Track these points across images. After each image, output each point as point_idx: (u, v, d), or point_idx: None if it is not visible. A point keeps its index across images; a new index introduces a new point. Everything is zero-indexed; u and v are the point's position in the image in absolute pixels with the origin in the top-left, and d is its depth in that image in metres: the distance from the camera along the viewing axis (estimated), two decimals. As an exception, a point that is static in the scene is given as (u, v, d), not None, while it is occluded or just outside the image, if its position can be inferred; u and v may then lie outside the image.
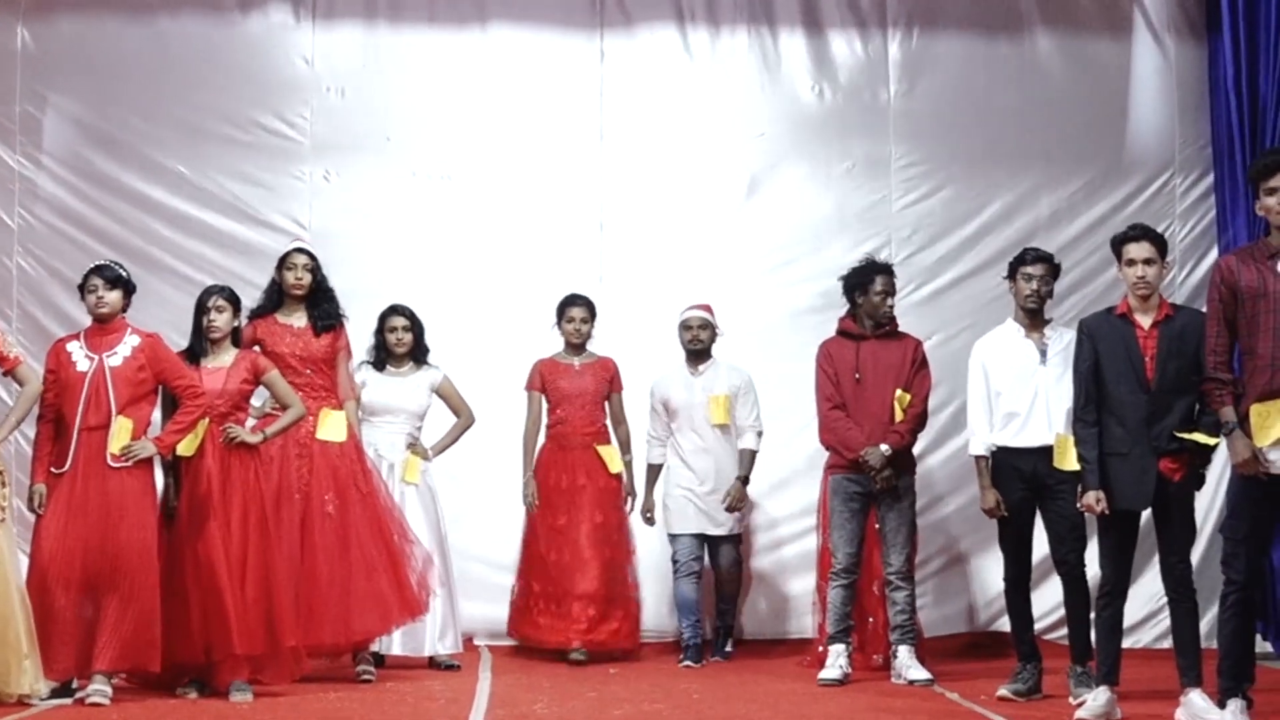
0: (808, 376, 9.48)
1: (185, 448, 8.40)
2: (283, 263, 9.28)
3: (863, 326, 9.29)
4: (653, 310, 10.72)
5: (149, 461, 8.32)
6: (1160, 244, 7.96)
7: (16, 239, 10.75)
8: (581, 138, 11.24)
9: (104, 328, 8.38)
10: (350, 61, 11.18)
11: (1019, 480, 8.55)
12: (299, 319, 9.24)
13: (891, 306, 9.32)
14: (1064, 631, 8.98)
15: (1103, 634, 7.96)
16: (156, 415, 8.53)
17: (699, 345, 10.15)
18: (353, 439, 9.19)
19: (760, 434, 10.16)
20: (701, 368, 10.16)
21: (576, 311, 10.20)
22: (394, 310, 9.87)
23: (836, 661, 9.09)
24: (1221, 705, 7.38)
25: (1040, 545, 8.75)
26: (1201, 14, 11.39)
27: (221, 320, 8.64)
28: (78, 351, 8.34)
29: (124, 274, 8.46)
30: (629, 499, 10.27)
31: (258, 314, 9.23)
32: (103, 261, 8.60)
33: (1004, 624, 9.49)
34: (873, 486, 9.11)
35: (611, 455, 10.17)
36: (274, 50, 11.12)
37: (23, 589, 8.01)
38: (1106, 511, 7.80)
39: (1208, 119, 11.28)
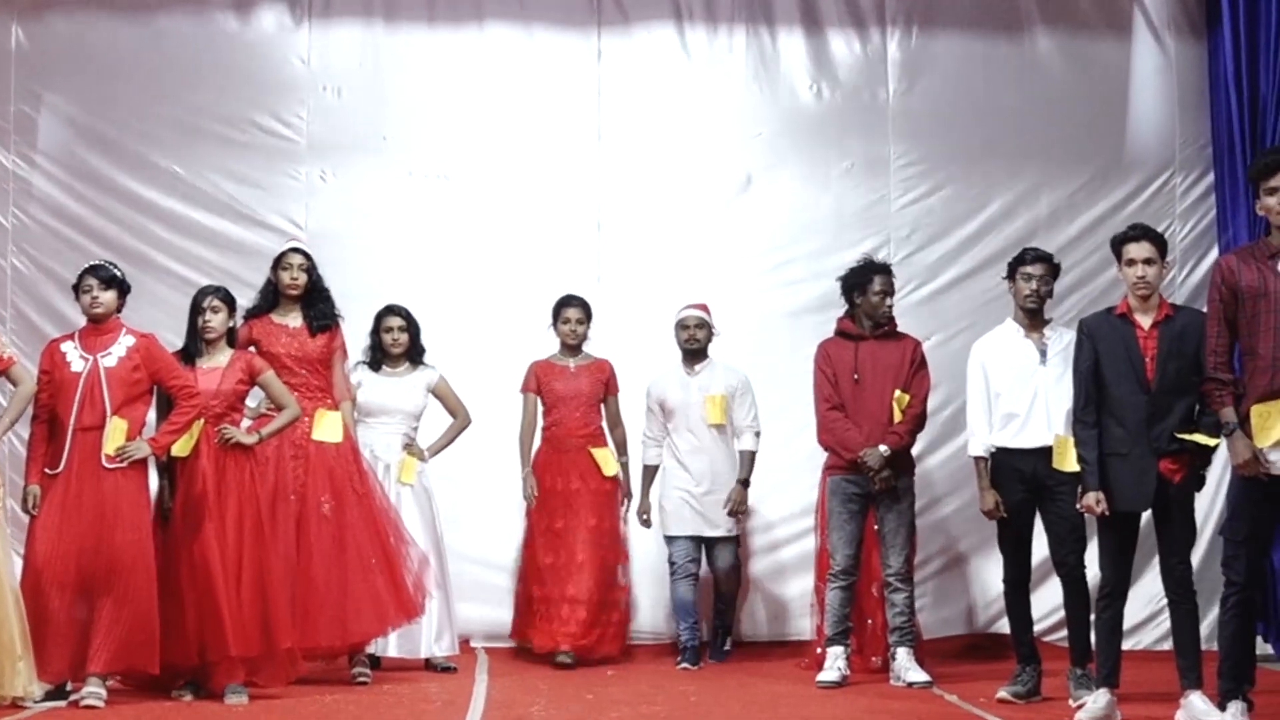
0: (806, 377, 9.48)
1: (180, 448, 8.40)
2: (278, 263, 9.28)
3: (861, 327, 9.29)
4: (651, 310, 10.69)
5: (144, 462, 8.32)
6: (1160, 244, 7.95)
7: (11, 239, 10.73)
8: (579, 137, 11.23)
9: (99, 328, 8.38)
10: (347, 61, 11.17)
11: (1018, 481, 8.54)
12: (294, 319, 9.23)
13: (890, 307, 9.31)
14: (1064, 633, 8.97)
15: (1103, 636, 7.95)
16: (151, 416, 8.52)
17: (695, 345, 10.14)
18: (348, 440, 9.18)
19: (758, 434, 10.16)
20: (698, 367, 10.16)
21: (572, 312, 10.18)
22: (390, 310, 9.87)
23: (835, 664, 9.09)
24: (1222, 707, 7.38)
25: (1040, 547, 8.75)
26: (1201, 12, 11.38)
27: (217, 321, 8.64)
28: (72, 352, 8.33)
29: (119, 274, 8.46)
30: (625, 501, 10.26)
31: (253, 314, 9.23)
32: (97, 261, 8.61)
33: (1003, 626, 9.48)
34: (871, 487, 9.10)
35: (606, 458, 10.14)
36: (270, 49, 11.11)
37: (17, 590, 7.98)
38: (1106, 513, 7.80)
39: (1208, 118, 11.28)
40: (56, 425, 8.27)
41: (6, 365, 8.31)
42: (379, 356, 9.84)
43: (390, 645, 9.45)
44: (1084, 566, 8.55)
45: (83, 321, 8.52)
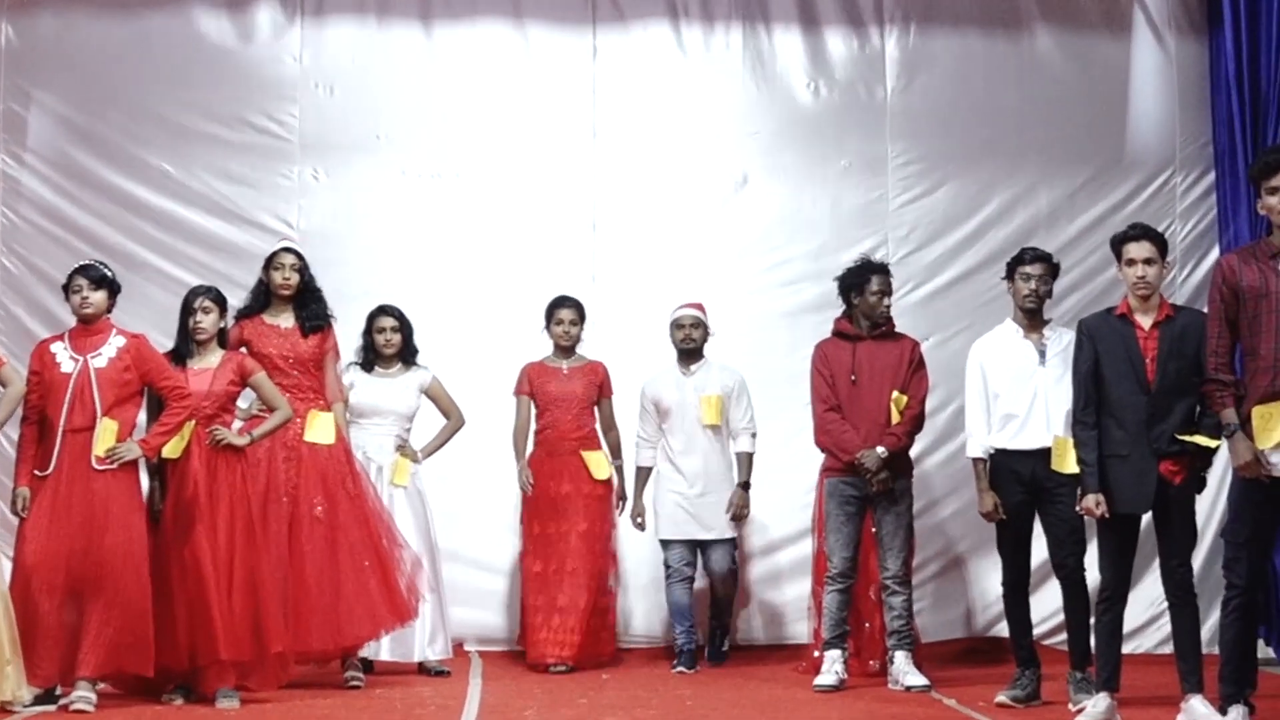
0: (803, 378, 9.47)
1: (171, 450, 8.40)
2: (270, 262, 9.27)
3: (859, 327, 9.28)
4: (646, 311, 10.68)
5: (134, 464, 8.30)
6: (1160, 243, 7.95)
7: (0, 238, 10.71)
8: (574, 136, 11.22)
9: (89, 328, 8.36)
10: (339, 58, 11.15)
11: (1017, 483, 8.53)
12: (286, 320, 9.23)
13: (888, 307, 9.30)
14: (1063, 637, 8.95)
15: (1102, 639, 7.95)
16: (142, 418, 8.52)
17: (691, 344, 10.13)
18: (341, 441, 9.18)
19: (754, 436, 10.16)
20: (693, 368, 10.15)
21: (565, 313, 10.16)
22: (382, 310, 9.86)
23: (832, 667, 9.08)
24: (1223, 711, 7.37)
25: (1039, 549, 8.74)
26: (1202, 10, 11.39)
27: (208, 321, 8.64)
28: (62, 353, 8.33)
29: (109, 274, 8.45)
30: (620, 505, 10.24)
31: (244, 315, 9.23)
32: (87, 261, 8.59)
33: (1002, 629, 9.48)
34: (869, 489, 9.09)
35: (597, 461, 10.10)
36: (262, 47, 11.09)
37: (5, 594, 7.98)
38: (1106, 515, 7.80)
39: (1209, 116, 11.28)
40: (46, 426, 8.26)
41: (-4, 366, 8.33)
42: (371, 357, 9.84)
43: (383, 649, 9.45)
44: (1084, 569, 8.54)
45: (73, 322, 8.50)
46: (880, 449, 9.03)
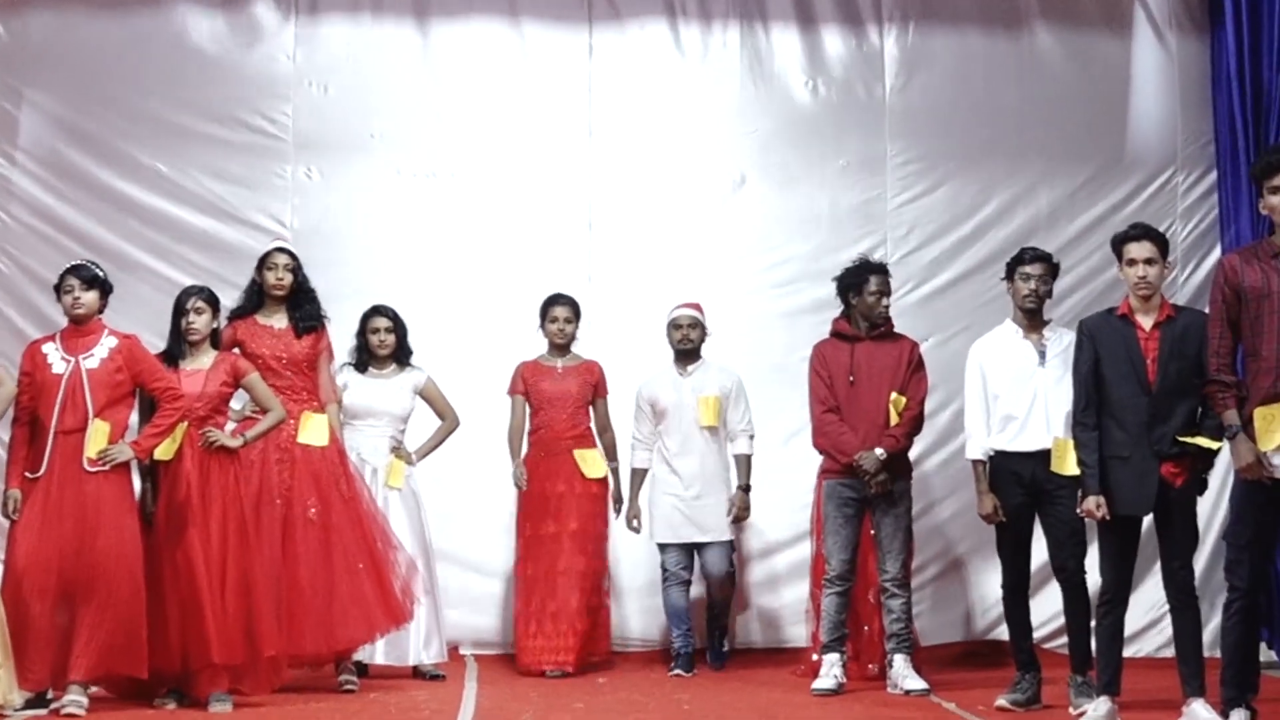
0: (801, 379, 9.47)
1: (163, 452, 8.38)
2: (263, 262, 9.27)
3: (857, 328, 9.28)
4: (643, 311, 10.67)
5: (126, 466, 8.29)
6: (1162, 243, 7.96)
7: (-9, 238, 10.73)
8: (570, 135, 11.21)
9: (80, 329, 8.35)
10: (333, 56, 11.14)
11: (1017, 485, 8.53)
12: (280, 320, 9.22)
13: (887, 307, 9.30)
14: (1063, 640, 8.96)
15: (1103, 642, 7.95)
16: (134, 419, 8.50)
17: (689, 345, 10.13)
18: (335, 443, 9.18)
19: (752, 437, 10.16)
20: (691, 368, 10.14)
21: (560, 311, 10.15)
22: (376, 311, 9.86)
23: (831, 671, 9.08)
24: (1225, 715, 7.39)
25: (1039, 551, 8.74)
26: (1204, 8, 11.39)
27: (200, 322, 8.63)
28: (54, 353, 8.31)
29: (101, 274, 8.44)
30: (616, 507, 10.22)
31: (237, 315, 9.22)
32: (79, 261, 8.58)
33: (1002, 632, 9.48)
34: (867, 491, 9.09)
35: (590, 459, 10.07)
36: (255, 45, 11.07)
37: (-4, 597, 8.00)
38: (1107, 517, 7.80)
39: (1210, 115, 11.28)
40: (37, 428, 8.24)
41: (-14, 367, 8.32)
42: (365, 358, 9.83)
43: (378, 652, 9.44)
44: (1084, 572, 8.53)
45: (64, 322, 8.49)
46: (879, 450, 9.03)
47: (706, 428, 10.05)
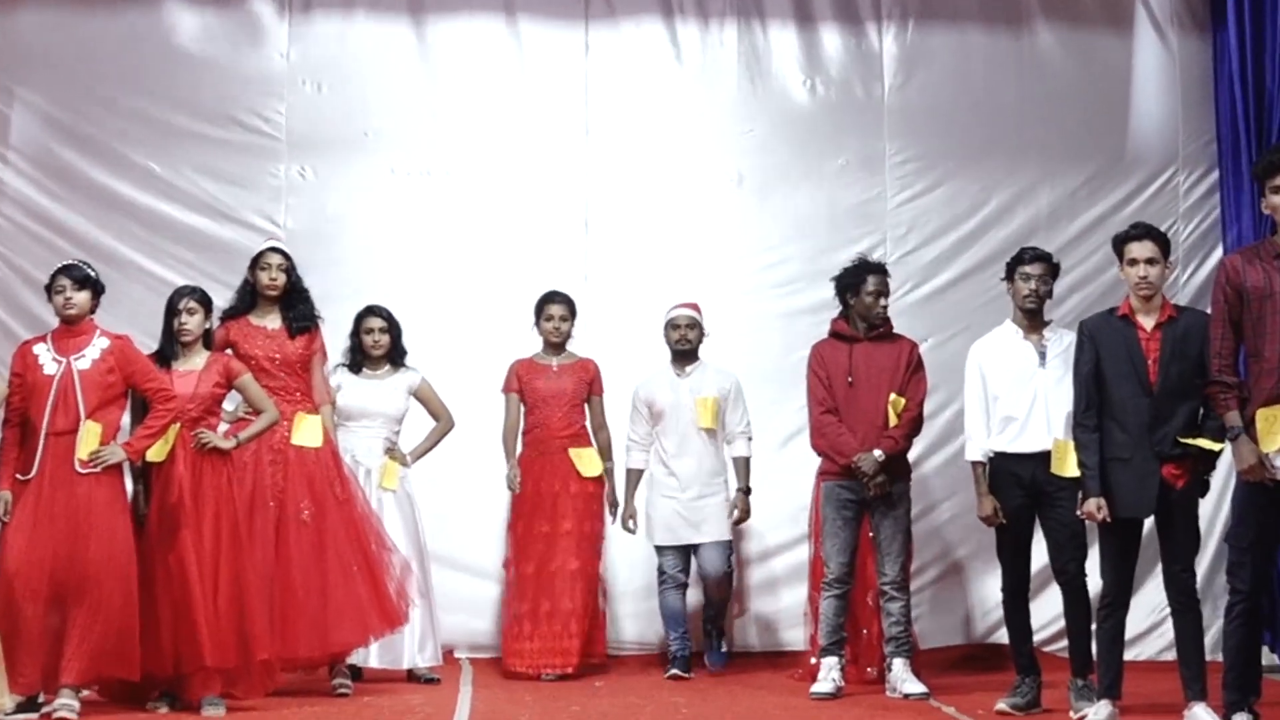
0: (799, 380, 9.47)
1: (156, 453, 8.36)
2: (256, 262, 9.26)
3: (856, 328, 9.27)
4: (639, 311, 10.68)
5: (119, 468, 8.27)
6: (1163, 243, 7.95)
7: (-18, 238, 10.73)
8: (566, 133, 11.21)
9: (72, 329, 8.33)
10: (327, 53, 11.14)
11: (1017, 487, 8.53)
12: (273, 321, 9.22)
13: (885, 307, 9.29)
14: (1064, 643, 8.94)
15: (1104, 646, 7.95)
16: (126, 420, 8.50)
17: (686, 345, 10.12)
18: (329, 444, 9.17)
19: (750, 439, 10.16)
20: (688, 369, 10.14)
21: (555, 309, 10.13)
22: (370, 311, 9.85)
23: (829, 675, 9.07)
24: (1226, 719, 7.38)
25: (1039, 554, 8.74)
26: (1206, 6, 11.40)
27: (193, 322, 8.61)
28: (45, 354, 8.29)
29: (92, 274, 8.42)
30: (612, 510, 10.20)
31: (230, 315, 9.22)
32: (70, 261, 8.54)
33: (1002, 635, 9.47)
34: (866, 493, 9.08)
35: (586, 458, 10.03)
36: (248, 42, 11.07)
37: (-13, 600, 7.99)
38: (1108, 519, 7.80)
39: (1212, 114, 11.29)
40: (28, 429, 8.23)
41: (-24, 368, 8.32)
42: (359, 358, 9.82)
43: (372, 656, 9.44)
44: (1085, 574, 8.53)
45: (55, 322, 8.47)
46: (877, 452, 9.02)
47: (704, 429, 10.05)
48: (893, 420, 9.13)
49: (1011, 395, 8.58)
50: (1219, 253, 10.90)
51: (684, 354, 10.14)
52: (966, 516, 9.97)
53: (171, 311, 8.65)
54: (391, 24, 11.23)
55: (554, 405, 10.02)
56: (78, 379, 8.20)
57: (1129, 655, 8.50)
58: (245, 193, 10.92)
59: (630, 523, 10.22)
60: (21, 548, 8.04)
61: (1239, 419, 7.25)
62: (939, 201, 11.29)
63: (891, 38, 11.38)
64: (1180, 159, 11.34)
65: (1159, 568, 8.14)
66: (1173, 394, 7.74)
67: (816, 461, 9.47)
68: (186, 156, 10.89)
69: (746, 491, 10.10)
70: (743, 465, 10.14)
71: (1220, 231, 11.15)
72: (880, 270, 9.36)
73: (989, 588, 10.37)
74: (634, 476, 10.24)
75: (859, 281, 9.26)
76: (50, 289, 8.39)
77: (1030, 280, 8.64)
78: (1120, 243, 8.00)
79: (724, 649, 10.33)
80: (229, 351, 9.02)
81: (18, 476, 8.18)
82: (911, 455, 9.50)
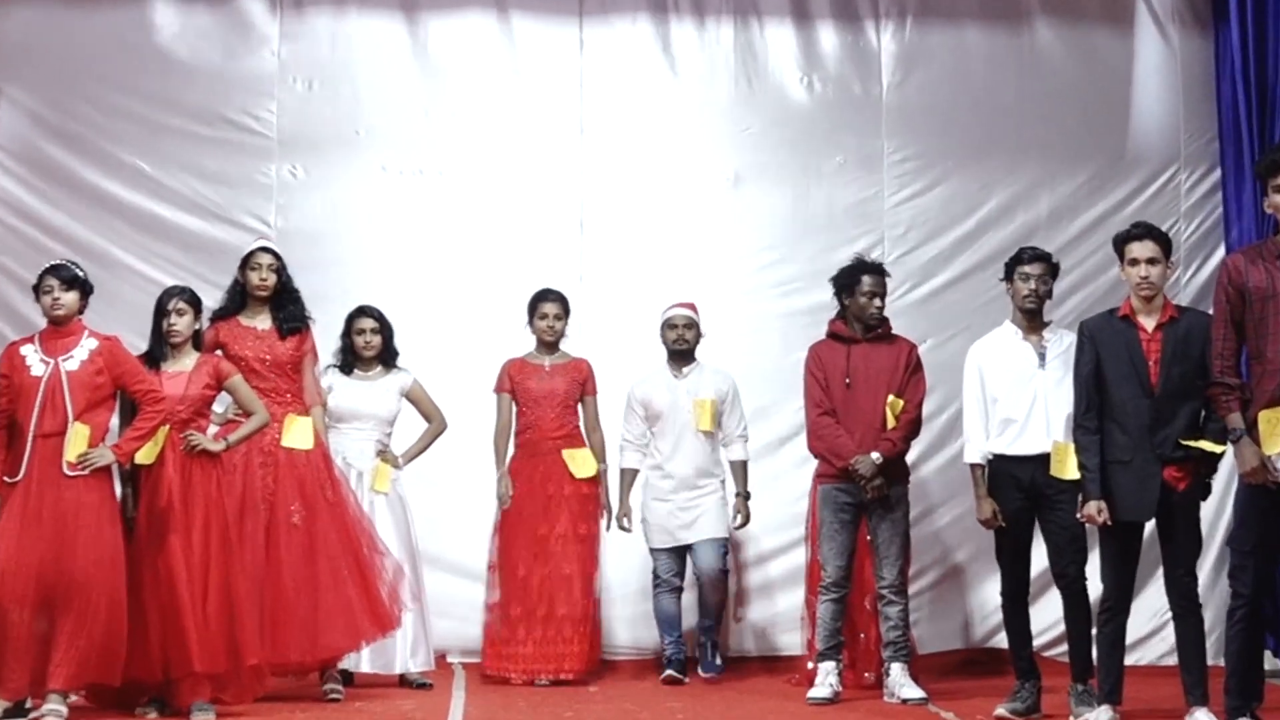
0: (796, 381, 9.46)
1: (144, 456, 8.34)
2: (246, 262, 9.24)
3: (853, 329, 9.26)
4: (635, 311, 10.68)
5: (107, 470, 8.25)
6: (1164, 243, 7.95)
7: (-32, 237, 10.70)
8: (561, 132, 11.20)
9: (60, 330, 8.31)
10: (318, 52, 11.13)
11: (1017, 489, 8.52)
12: (263, 321, 9.20)
13: (879, 308, 9.26)
14: (1064, 648, 8.95)
15: (1104, 650, 7.95)
16: (114, 422, 8.48)
17: (684, 345, 10.11)
18: (320, 446, 9.16)
19: (747, 441, 10.15)
20: (686, 370, 10.13)
21: (549, 307, 10.09)
22: (362, 312, 9.83)
23: (826, 679, 9.06)
24: (1228, 725, 7.40)
25: (1039, 557, 8.73)
26: (1207, 3, 11.39)
27: (182, 323, 8.59)
28: (32, 355, 8.27)
29: (81, 274, 8.40)
30: (604, 512, 10.16)
31: (220, 316, 9.19)
32: (59, 261, 8.52)
33: (1001, 640, 9.46)
34: (864, 496, 9.08)
35: (580, 458, 9.99)
36: (239, 40, 11.06)
37: (-25, 604, 7.97)
38: (1108, 522, 7.79)
39: (1214, 112, 11.28)
40: (16, 431, 8.20)
41: (-36, 370, 8.29)
42: (350, 359, 9.81)
43: (363, 660, 9.42)
44: (1085, 578, 8.52)
45: (43, 323, 8.45)
46: (875, 455, 9.01)
47: (701, 431, 10.03)
48: (891, 422, 9.12)
49: (1011, 397, 8.57)
50: (1221, 252, 10.89)
51: (681, 354, 10.13)
52: (965, 519, 9.98)
53: (160, 312, 8.63)
54: (384, 21, 11.22)
55: (546, 405, 9.99)
56: (66, 380, 8.18)
57: (1130, 660, 8.49)
58: (235, 192, 10.91)
59: (625, 521, 10.18)
60: (9, 552, 8.01)
61: (1241, 421, 7.25)
62: (938, 201, 11.28)
63: (890, 35, 11.37)
64: (1182, 158, 11.33)
65: (1160, 571, 8.14)
66: (1174, 395, 7.74)
67: (814, 464, 9.46)
68: (176, 155, 10.88)
69: (746, 496, 10.10)
70: (741, 469, 10.14)
71: (1222, 231, 11.14)
72: (876, 270, 9.35)
73: (988, 591, 10.38)
74: (628, 476, 10.23)
75: (854, 282, 9.25)
76: (38, 289, 8.37)
77: (1030, 280, 8.64)
78: (1121, 242, 7.99)
79: (719, 661, 10.26)
80: (219, 353, 9.00)
81: (5, 479, 8.15)
82: (910, 457, 9.49)
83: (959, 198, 11.28)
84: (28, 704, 8.15)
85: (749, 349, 10.85)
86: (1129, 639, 8.36)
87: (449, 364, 10.49)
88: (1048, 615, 9.82)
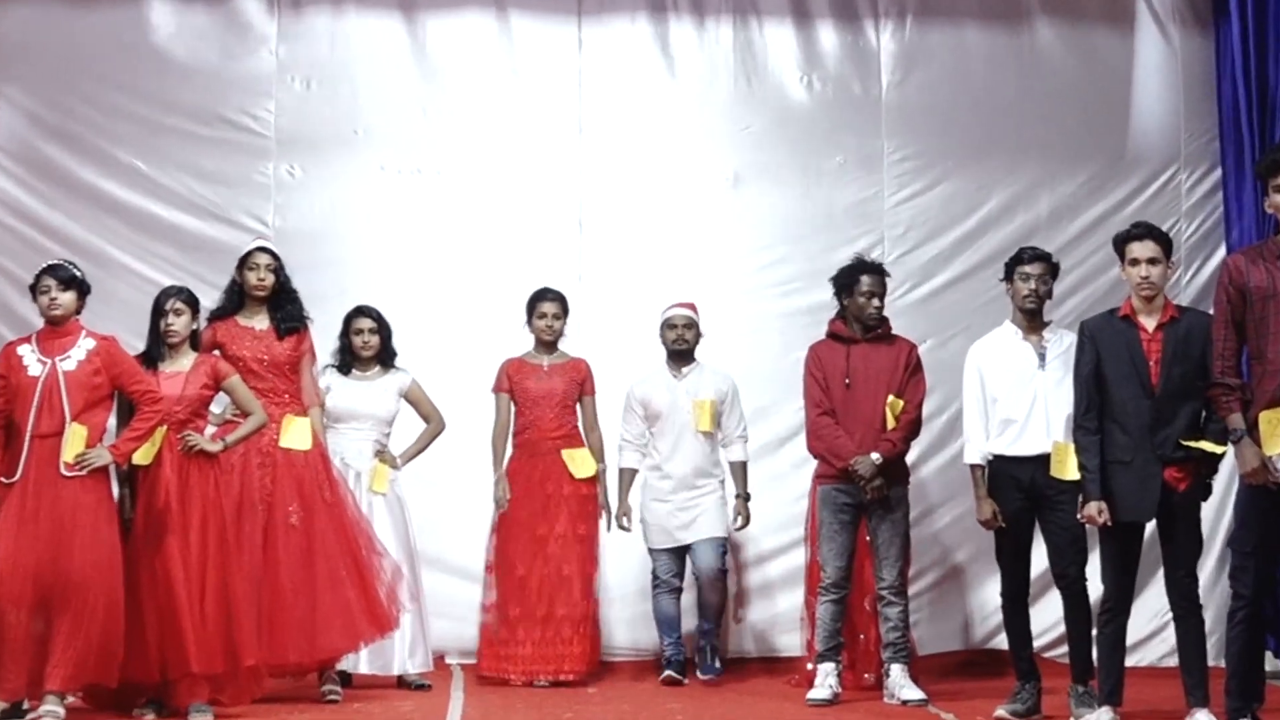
0: (796, 381, 9.46)
1: (142, 456, 8.33)
2: (244, 262, 9.23)
3: (853, 329, 9.27)
4: (634, 312, 10.69)
5: (105, 471, 8.24)
6: (1165, 242, 7.95)
7: (-35, 237, 10.70)
8: (559, 131, 11.20)
9: (57, 330, 8.31)
10: (317, 51, 11.14)
11: (1017, 490, 8.53)
12: (261, 321, 9.19)
13: (878, 308, 9.25)
14: (1064, 649, 8.96)
15: (1105, 651, 7.95)
16: (112, 422, 8.47)
17: (684, 346, 10.11)
18: (318, 447, 9.15)
19: (746, 442, 10.15)
20: (685, 370, 10.12)
21: (548, 306, 10.08)
22: (360, 311, 9.83)
23: (826, 680, 9.06)
24: (1229, 726, 7.40)
25: (1039, 558, 8.74)
26: (1208, 2, 11.39)
27: (180, 323, 8.59)
28: (29, 355, 8.26)
29: (78, 274, 8.39)
30: (603, 512, 10.15)
31: (217, 316, 9.18)
32: (56, 261, 8.51)
33: (1001, 641, 9.46)
34: (863, 497, 9.08)
35: (579, 458, 9.98)
36: (236, 39, 11.06)
37: (-28, 605, 7.97)
38: (1109, 523, 7.80)
39: (1215, 111, 11.28)
40: (13, 432, 8.19)
41: (-40, 370, 8.29)
42: (348, 360, 9.81)
43: (362, 661, 9.42)
44: (1085, 579, 8.52)
45: (40, 323, 8.45)
46: (875, 455, 9.01)
47: (701, 432, 10.03)
48: (891, 423, 9.12)
49: (1011, 397, 8.57)
50: (1221, 252, 10.90)
51: (680, 355, 10.13)
52: (965, 520, 9.99)
53: (158, 312, 8.62)
54: (382, 21, 11.23)
55: (545, 405, 9.99)
56: (63, 380, 8.17)
57: (1130, 661, 8.48)
58: (233, 192, 10.92)
59: (624, 520, 10.17)
60: (6, 552, 8.01)
61: (1242, 421, 7.25)
62: (937, 200, 11.29)
63: (889, 34, 11.38)
64: (1182, 157, 11.34)
65: (1160, 572, 8.14)
66: (1174, 396, 7.74)
67: (813, 464, 9.46)
68: (174, 155, 10.89)
69: (746, 498, 10.10)
70: (740, 470, 10.14)
71: (1223, 230, 11.14)
72: (874, 270, 9.33)
73: (988, 592, 10.38)
74: (627, 475, 10.22)
75: (853, 282, 9.25)
76: (35, 289, 8.36)
77: (1029, 280, 8.64)
78: (1121, 242, 7.99)
79: (718, 664, 10.20)
80: (216, 353, 9.00)
81: (2, 480, 8.14)
82: (910, 458, 9.49)
83: (959, 197, 11.29)
84: (25, 705, 8.14)
85: (748, 349, 10.85)
86: (1129, 640, 8.35)
87: (447, 364, 10.49)
88: (1048, 616, 9.82)
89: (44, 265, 8.45)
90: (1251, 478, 7.18)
